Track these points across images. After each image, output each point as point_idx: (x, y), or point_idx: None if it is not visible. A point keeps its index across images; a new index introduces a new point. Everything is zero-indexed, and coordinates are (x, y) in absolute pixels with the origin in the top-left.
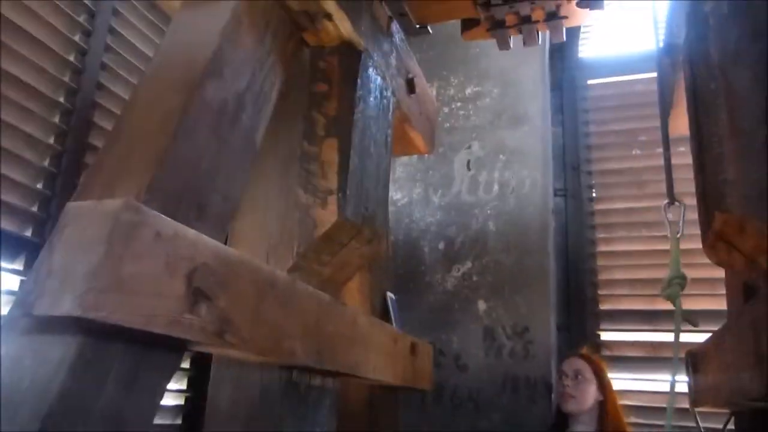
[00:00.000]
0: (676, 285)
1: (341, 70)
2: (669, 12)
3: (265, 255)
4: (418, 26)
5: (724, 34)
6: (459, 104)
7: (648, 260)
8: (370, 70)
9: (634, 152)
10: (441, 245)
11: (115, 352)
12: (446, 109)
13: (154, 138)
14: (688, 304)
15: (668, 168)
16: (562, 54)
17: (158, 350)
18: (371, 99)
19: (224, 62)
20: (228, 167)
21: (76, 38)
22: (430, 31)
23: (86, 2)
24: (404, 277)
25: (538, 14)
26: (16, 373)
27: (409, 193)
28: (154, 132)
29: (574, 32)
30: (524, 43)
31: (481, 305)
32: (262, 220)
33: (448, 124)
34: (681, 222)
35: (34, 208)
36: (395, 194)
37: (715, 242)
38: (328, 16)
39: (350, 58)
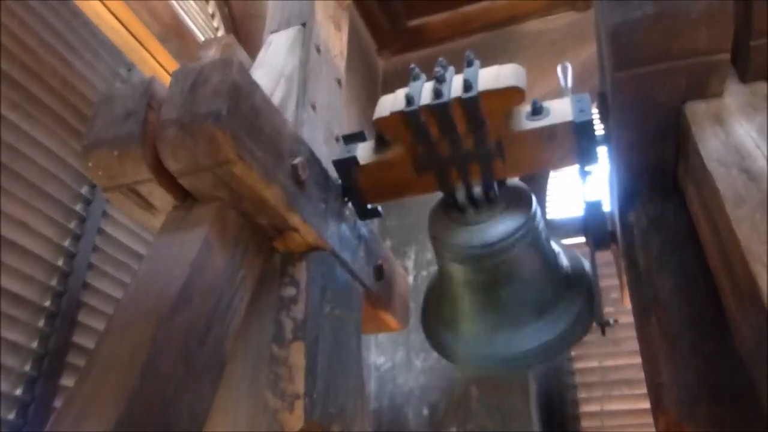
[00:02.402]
0: None
1: (308, 274)
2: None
3: None
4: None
5: (646, 243)
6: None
7: (633, 419)
8: (337, 270)
9: (606, 310)
10: (425, 411)
11: None
12: (424, 273)
13: (124, 373)
14: None
15: None
16: None
17: None
18: (339, 297)
19: (193, 290)
20: (195, 388)
21: (66, 243)
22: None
23: (77, 210)
24: None
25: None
26: None
27: (392, 357)
28: (123, 367)
29: (540, 195)
30: None
31: None
32: (232, 424)
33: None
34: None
35: (11, 416)
36: (378, 359)
37: None
38: (295, 229)
39: (317, 262)
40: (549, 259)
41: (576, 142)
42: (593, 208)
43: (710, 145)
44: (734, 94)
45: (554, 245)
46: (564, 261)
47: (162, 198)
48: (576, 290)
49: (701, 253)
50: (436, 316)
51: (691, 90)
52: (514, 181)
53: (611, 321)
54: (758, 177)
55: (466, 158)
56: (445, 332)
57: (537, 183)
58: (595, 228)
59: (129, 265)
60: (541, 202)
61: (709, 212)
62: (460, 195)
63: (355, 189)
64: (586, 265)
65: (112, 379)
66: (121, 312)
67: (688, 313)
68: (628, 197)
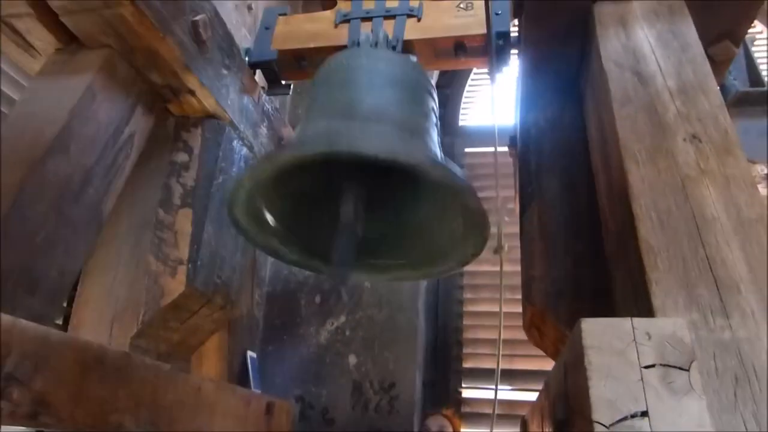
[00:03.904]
0: None
1: (203, 142)
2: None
3: (111, 320)
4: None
5: (540, 145)
6: None
7: (509, 321)
8: (235, 142)
9: (505, 219)
10: (317, 299)
11: None
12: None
13: None
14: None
15: None
16: (443, 121)
17: None
18: (234, 169)
19: (72, 139)
20: (67, 241)
21: None
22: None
23: None
24: (280, 328)
25: None
26: None
27: None
28: None
29: (456, 100)
30: None
31: (352, 359)
32: (110, 285)
33: None
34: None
35: None
36: None
37: (529, 328)
38: (191, 92)
39: (213, 130)
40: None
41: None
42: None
43: (610, 46)
44: None
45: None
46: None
47: (43, 38)
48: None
49: (588, 158)
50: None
51: None
52: None
53: (505, 247)
54: (648, 80)
55: (385, 13)
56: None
57: (455, 88)
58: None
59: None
60: (456, 108)
61: (599, 112)
62: (363, 38)
63: (270, 44)
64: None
65: None
66: None
67: (566, 213)
68: (530, 99)
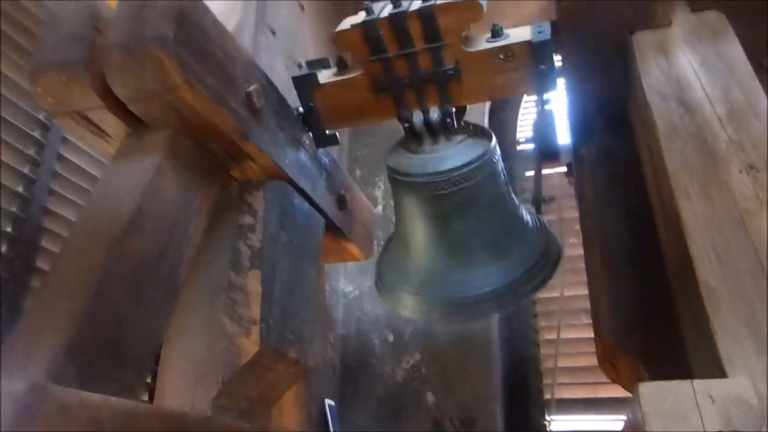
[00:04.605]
0: None
1: (266, 203)
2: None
3: (193, 383)
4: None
5: (594, 176)
6: None
7: (588, 348)
8: (296, 199)
9: (571, 241)
10: (390, 338)
11: None
12: (393, 202)
13: (75, 298)
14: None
15: None
16: (501, 146)
17: None
18: (297, 226)
19: (145, 217)
20: (148, 314)
21: (25, 170)
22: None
23: (36, 135)
24: (355, 369)
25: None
26: None
27: (359, 285)
28: (74, 291)
29: (511, 123)
30: None
31: (430, 397)
32: (190, 348)
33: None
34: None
35: None
36: (347, 287)
37: (603, 363)
38: (251, 158)
39: (275, 191)
40: (506, 200)
41: (534, 65)
42: (543, 119)
43: (652, 76)
44: (682, 23)
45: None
46: (523, 211)
47: (114, 125)
48: (532, 239)
49: (645, 186)
50: (388, 258)
51: (638, 20)
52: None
53: (545, 198)
54: (695, 108)
55: (424, 80)
56: (395, 274)
57: (509, 112)
58: (543, 139)
59: (89, 191)
60: (512, 131)
61: (648, 144)
62: (417, 119)
63: (314, 112)
64: (545, 222)
65: (64, 303)
66: (73, 238)
67: (629, 244)
68: (581, 130)
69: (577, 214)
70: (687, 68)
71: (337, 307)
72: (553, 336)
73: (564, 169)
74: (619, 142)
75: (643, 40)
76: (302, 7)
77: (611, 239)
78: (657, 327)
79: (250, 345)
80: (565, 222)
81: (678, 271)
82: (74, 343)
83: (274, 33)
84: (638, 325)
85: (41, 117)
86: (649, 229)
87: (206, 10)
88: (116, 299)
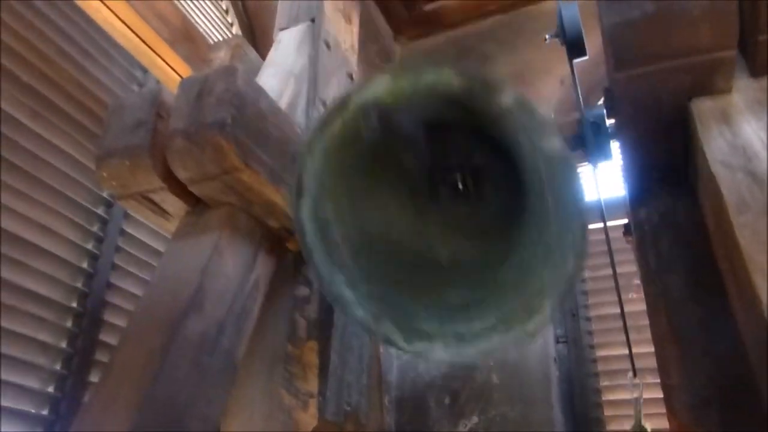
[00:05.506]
0: None
1: None
2: None
3: None
4: None
5: (656, 241)
6: None
7: (653, 408)
8: None
9: (630, 296)
10: (447, 400)
11: None
12: None
13: (138, 380)
14: None
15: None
16: None
17: None
18: None
19: (205, 296)
20: (208, 392)
21: (89, 246)
22: None
23: (99, 212)
24: None
25: None
26: None
27: None
28: (137, 374)
29: None
30: None
31: None
32: (248, 421)
33: None
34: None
35: (44, 411)
36: None
37: None
38: None
39: None
40: None
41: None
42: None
43: (715, 146)
44: (743, 89)
45: None
46: None
47: (174, 204)
48: None
49: (712, 252)
50: None
51: (697, 87)
52: None
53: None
54: (763, 180)
55: None
56: None
57: None
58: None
59: (151, 264)
60: None
61: (715, 216)
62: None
63: None
64: None
65: (128, 385)
66: (136, 320)
67: (698, 313)
68: (638, 194)
69: (634, 269)
70: (752, 137)
71: (390, 368)
72: (615, 396)
73: (621, 222)
74: (678, 207)
75: (704, 108)
76: (352, 78)
77: (680, 307)
78: (738, 403)
79: (308, 419)
80: (623, 277)
81: (757, 351)
82: (138, 425)
83: (325, 105)
84: (716, 401)
85: (105, 194)
86: (720, 295)
87: (261, 90)
88: (177, 380)
